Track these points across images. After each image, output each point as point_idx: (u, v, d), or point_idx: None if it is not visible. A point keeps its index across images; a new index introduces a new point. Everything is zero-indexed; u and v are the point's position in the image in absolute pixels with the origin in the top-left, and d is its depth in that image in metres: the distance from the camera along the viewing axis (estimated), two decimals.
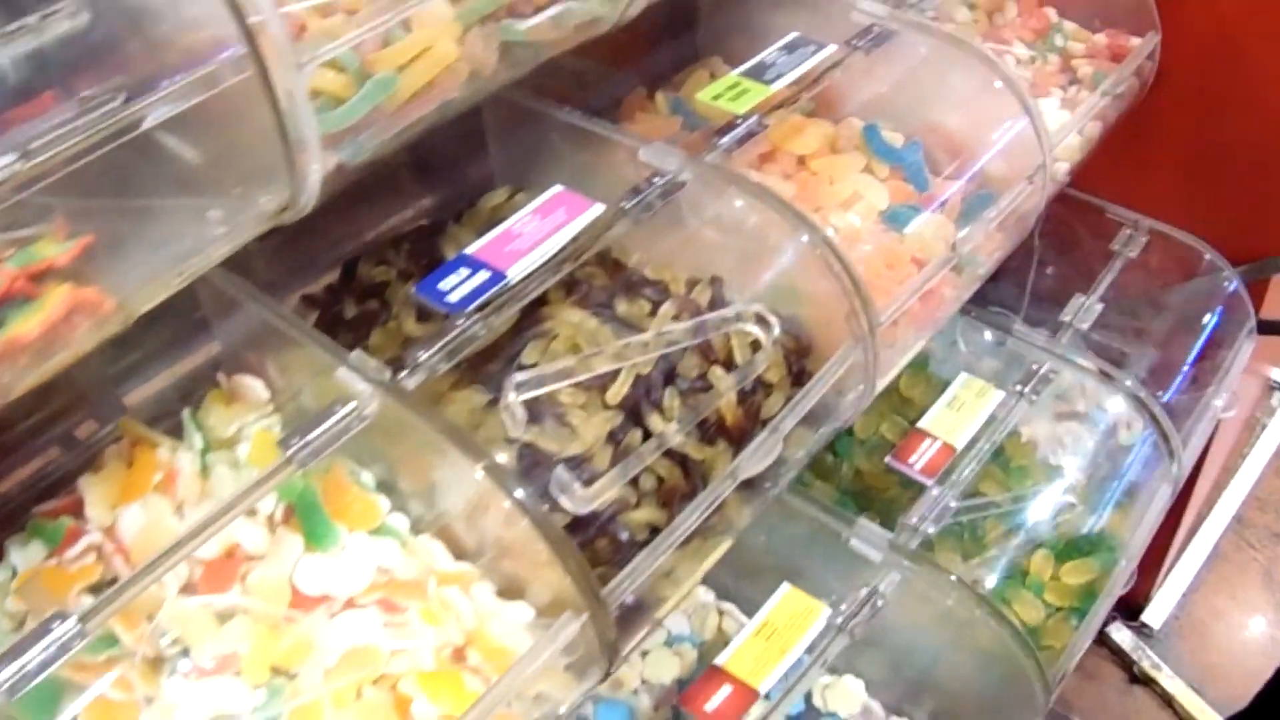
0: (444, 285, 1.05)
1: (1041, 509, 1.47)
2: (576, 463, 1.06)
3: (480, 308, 1.03)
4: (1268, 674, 2.12)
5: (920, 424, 1.38)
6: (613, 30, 1.60)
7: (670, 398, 1.09)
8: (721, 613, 1.53)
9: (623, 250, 1.22)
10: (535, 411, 1.07)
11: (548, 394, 1.06)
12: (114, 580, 0.91)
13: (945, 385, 1.51)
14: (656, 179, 1.14)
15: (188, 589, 0.93)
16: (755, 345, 1.13)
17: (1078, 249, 1.74)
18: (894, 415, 1.52)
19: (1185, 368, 1.65)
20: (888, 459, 1.35)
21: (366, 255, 1.24)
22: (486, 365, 1.12)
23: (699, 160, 1.16)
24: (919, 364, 1.56)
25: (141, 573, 0.83)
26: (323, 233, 1.29)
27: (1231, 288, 1.71)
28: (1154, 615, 2.21)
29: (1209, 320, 1.72)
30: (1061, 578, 1.46)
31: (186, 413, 1.07)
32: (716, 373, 1.10)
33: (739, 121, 1.21)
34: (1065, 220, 1.74)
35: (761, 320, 1.11)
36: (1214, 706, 2.10)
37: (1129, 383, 1.50)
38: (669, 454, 1.07)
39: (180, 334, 1.18)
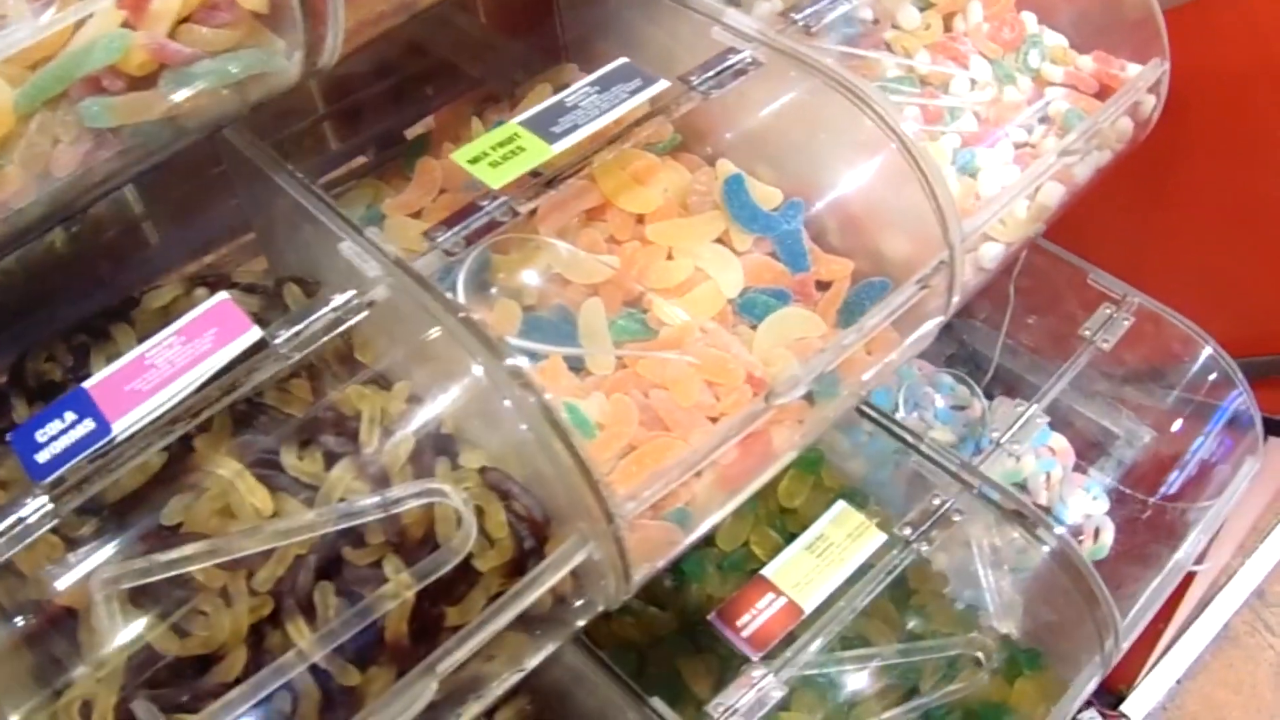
0: (41, 435, 0.83)
1: (938, 664, 1.19)
2: (204, 666, 0.84)
3: (66, 476, 0.80)
4: None
5: (765, 571, 1.11)
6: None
7: (323, 595, 0.85)
8: None
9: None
10: (154, 595, 0.85)
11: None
12: None
13: (846, 493, 1.23)
14: (356, 297, 0.88)
15: None
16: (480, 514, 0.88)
17: (1052, 313, 1.43)
18: (766, 528, 1.24)
19: (1161, 494, 1.34)
20: (711, 616, 1.09)
21: (38, 346, 1.01)
22: (129, 512, 0.89)
23: (408, 271, 0.89)
24: (810, 462, 1.28)
25: None
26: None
27: (1236, 395, 1.37)
28: (1136, 706, 1.89)
29: (1203, 430, 1.39)
30: None
31: None
32: (393, 563, 0.85)
33: (483, 204, 0.92)
34: (1044, 275, 1.42)
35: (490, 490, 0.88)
36: None
37: (1052, 544, 1.18)
38: (314, 671, 0.84)
39: None
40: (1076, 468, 1.47)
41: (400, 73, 1.43)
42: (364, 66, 1.43)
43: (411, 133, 1.36)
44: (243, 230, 1.21)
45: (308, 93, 1.39)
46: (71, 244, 1.19)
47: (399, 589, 0.85)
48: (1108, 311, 1.36)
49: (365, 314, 0.87)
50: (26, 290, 1.14)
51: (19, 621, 0.86)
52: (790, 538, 1.21)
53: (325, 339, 0.86)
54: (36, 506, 0.79)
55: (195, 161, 1.12)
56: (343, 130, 1.44)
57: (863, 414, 1.27)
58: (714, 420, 0.98)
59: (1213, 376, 1.42)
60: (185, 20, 0.79)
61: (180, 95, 0.80)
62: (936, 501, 1.18)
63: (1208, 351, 1.41)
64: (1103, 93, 1.24)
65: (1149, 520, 1.40)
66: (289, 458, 0.90)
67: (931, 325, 1.08)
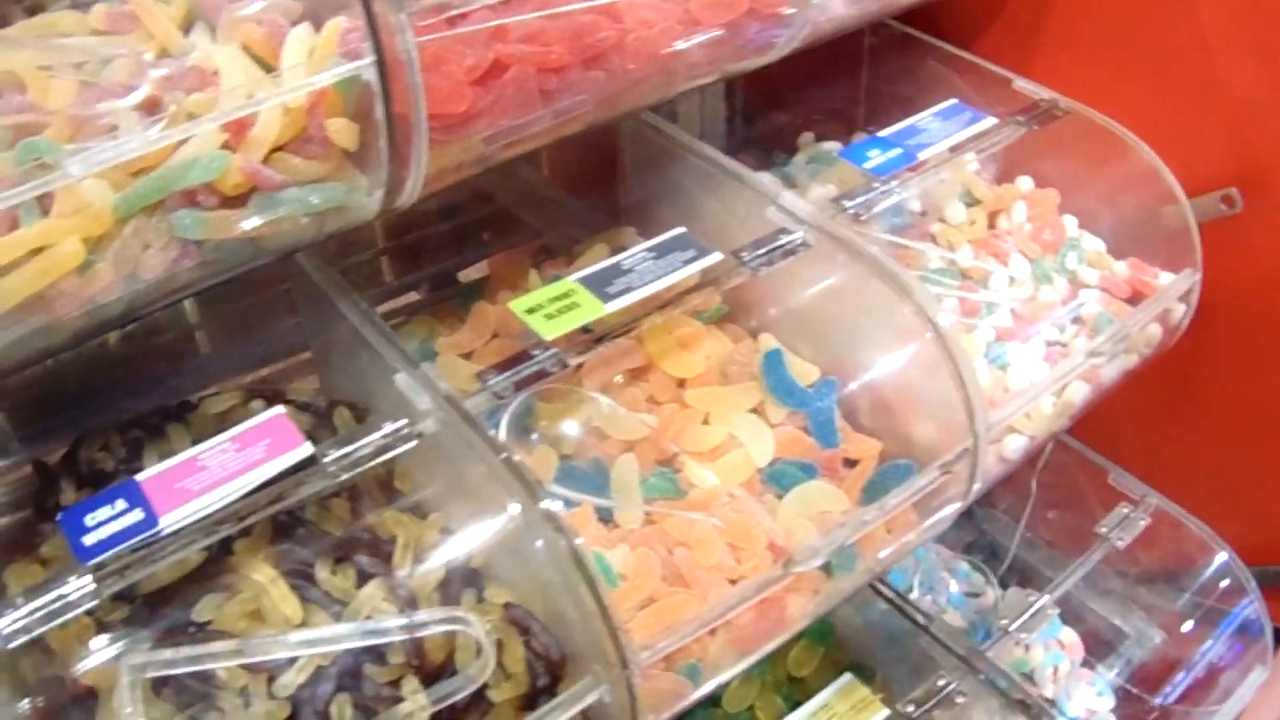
0: (90, 519, 0.86)
1: None
2: None
3: (110, 561, 0.83)
4: None
5: None
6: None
7: (340, 707, 0.87)
8: None
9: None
10: (180, 686, 0.87)
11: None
12: None
13: (854, 667, 1.25)
14: (406, 426, 0.91)
15: None
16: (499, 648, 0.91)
17: (1071, 508, 1.45)
18: (773, 694, 1.25)
19: (1166, 697, 1.35)
20: None
21: (92, 435, 1.05)
22: (159, 606, 0.93)
23: (457, 409, 0.93)
24: (821, 633, 1.29)
25: None
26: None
27: (1247, 603, 1.38)
28: None
29: (1212, 635, 1.40)
30: None
31: None
32: (411, 684, 0.88)
33: (535, 353, 0.97)
34: (1067, 470, 1.45)
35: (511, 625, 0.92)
36: None
37: None
38: None
39: None
40: (1085, 663, 1.47)
41: (461, 216, 1.50)
42: (427, 206, 1.50)
43: (466, 276, 1.41)
44: (299, 349, 1.27)
45: (370, 226, 1.46)
46: (126, 343, 1.24)
47: (415, 709, 0.87)
48: (1125, 511, 1.38)
49: (413, 444, 0.91)
50: (83, 381, 1.19)
51: (42, 697, 0.89)
52: (795, 705, 1.23)
53: (372, 463, 0.89)
54: (79, 586, 0.81)
55: (261, 278, 1.18)
56: (399, 266, 1.50)
57: (877, 592, 1.29)
58: (733, 582, 1.00)
59: (1226, 582, 1.43)
60: (279, 149, 0.84)
61: (266, 217, 0.85)
62: (941, 682, 1.20)
63: (1222, 557, 1.42)
64: (1135, 298, 1.28)
65: None
66: (323, 572, 0.93)
67: (951, 510, 1.11)
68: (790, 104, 1.50)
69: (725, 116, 1.48)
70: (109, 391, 1.19)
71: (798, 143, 1.47)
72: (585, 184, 1.44)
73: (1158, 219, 1.30)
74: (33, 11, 0.92)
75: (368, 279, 1.45)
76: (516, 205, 1.50)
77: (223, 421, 1.04)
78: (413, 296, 1.43)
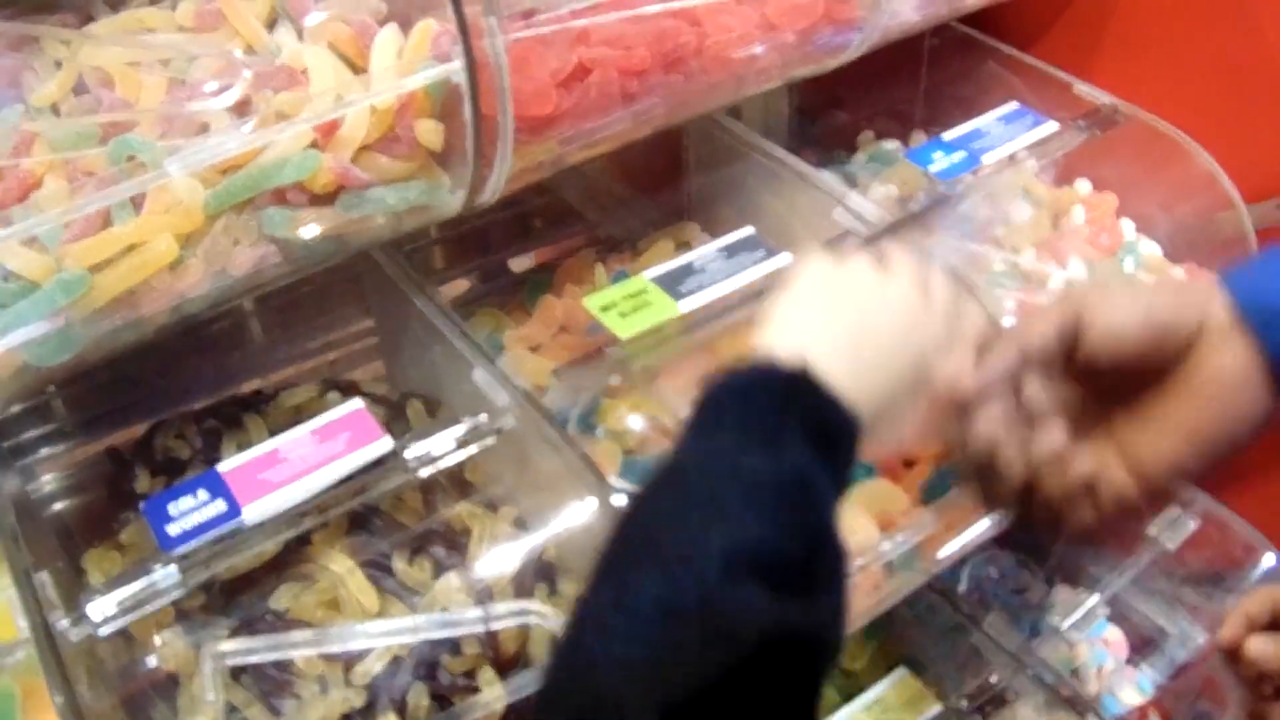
0: (174, 508, 0.86)
1: None
2: None
3: (194, 550, 0.83)
4: None
5: None
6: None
7: (417, 696, 0.87)
8: None
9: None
10: (258, 673, 0.88)
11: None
12: None
13: (908, 660, 1.24)
14: (486, 423, 0.91)
15: None
16: None
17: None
18: (828, 689, 1.25)
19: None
20: None
21: (167, 423, 1.06)
22: (236, 594, 0.93)
23: (535, 405, 0.93)
24: (874, 627, 1.29)
25: None
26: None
27: None
28: None
29: None
30: None
31: None
32: (487, 675, 0.88)
33: (609, 349, 0.96)
34: None
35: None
36: None
37: None
38: None
39: None
40: (1128, 661, 1.46)
41: (517, 208, 1.49)
42: None
43: (516, 266, 1.41)
44: (361, 336, 1.27)
45: None
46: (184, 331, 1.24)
47: (492, 699, 0.87)
48: (1175, 513, 1.37)
49: (492, 439, 0.91)
50: (144, 368, 1.19)
51: (122, 682, 0.90)
52: (847, 698, 1.23)
53: (453, 459, 0.89)
54: (166, 575, 0.81)
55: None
56: (453, 254, 1.49)
57: (929, 586, 1.29)
58: None
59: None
60: (366, 148, 0.84)
61: (353, 215, 0.84)
62: (994, 679, 1.19)
63: (1270, 559, 1.40)
64: None
65: None
66: (400, 563, 0.93)
67: None
68: (851, 103, 1.49)
69: (787, 114, 1.47)
70: (169, 378, 1.19)
71: (857, 141, 1.47)
72: (646, 179, 1.43)
73: (1215, 225, 1.29)
74: (115, 7, 0.92)
75: (421, 267, 1.44)
76: (576, 199, 1.50)
77: (299, 413, 1.04)
78: (463, 284, 1.42)
